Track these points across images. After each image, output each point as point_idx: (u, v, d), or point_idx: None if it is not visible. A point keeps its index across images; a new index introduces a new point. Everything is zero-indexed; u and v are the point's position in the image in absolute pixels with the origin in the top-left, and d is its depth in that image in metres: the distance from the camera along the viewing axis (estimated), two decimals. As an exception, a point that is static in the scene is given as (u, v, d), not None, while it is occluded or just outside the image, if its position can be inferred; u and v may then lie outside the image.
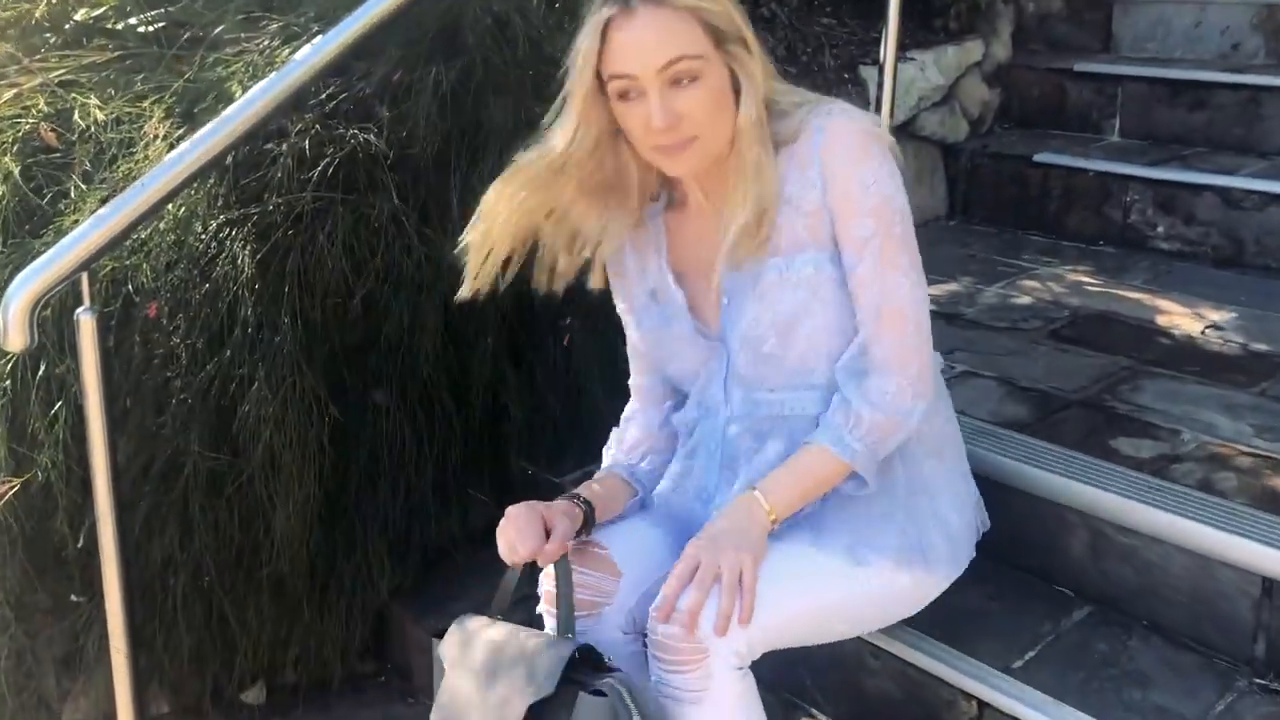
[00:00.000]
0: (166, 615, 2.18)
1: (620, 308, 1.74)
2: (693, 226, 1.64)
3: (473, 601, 2.38)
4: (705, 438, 1.68)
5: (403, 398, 2.29)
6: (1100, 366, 2.35)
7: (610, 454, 1.78)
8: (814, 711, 1.97)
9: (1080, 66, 3.53)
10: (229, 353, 2.14)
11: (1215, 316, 2.60)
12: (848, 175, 1.50)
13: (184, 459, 2.14)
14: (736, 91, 1.50)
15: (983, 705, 1.72)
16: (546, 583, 1.63)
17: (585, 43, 1.48)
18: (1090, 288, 2.84)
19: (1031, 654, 1.79)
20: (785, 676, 1.97)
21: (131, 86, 2.23)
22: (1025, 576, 1.96)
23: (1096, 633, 1.83)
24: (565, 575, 1.55)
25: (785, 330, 1.56)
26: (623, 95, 1.47)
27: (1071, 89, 3.57)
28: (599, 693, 1.41)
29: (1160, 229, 3.10)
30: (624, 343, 1.77)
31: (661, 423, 1.75)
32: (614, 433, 1.80)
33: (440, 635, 1.66)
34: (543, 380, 2.42)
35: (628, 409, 1.79)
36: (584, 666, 1.46)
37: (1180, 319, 2.60)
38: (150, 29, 2.38)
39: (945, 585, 1.65)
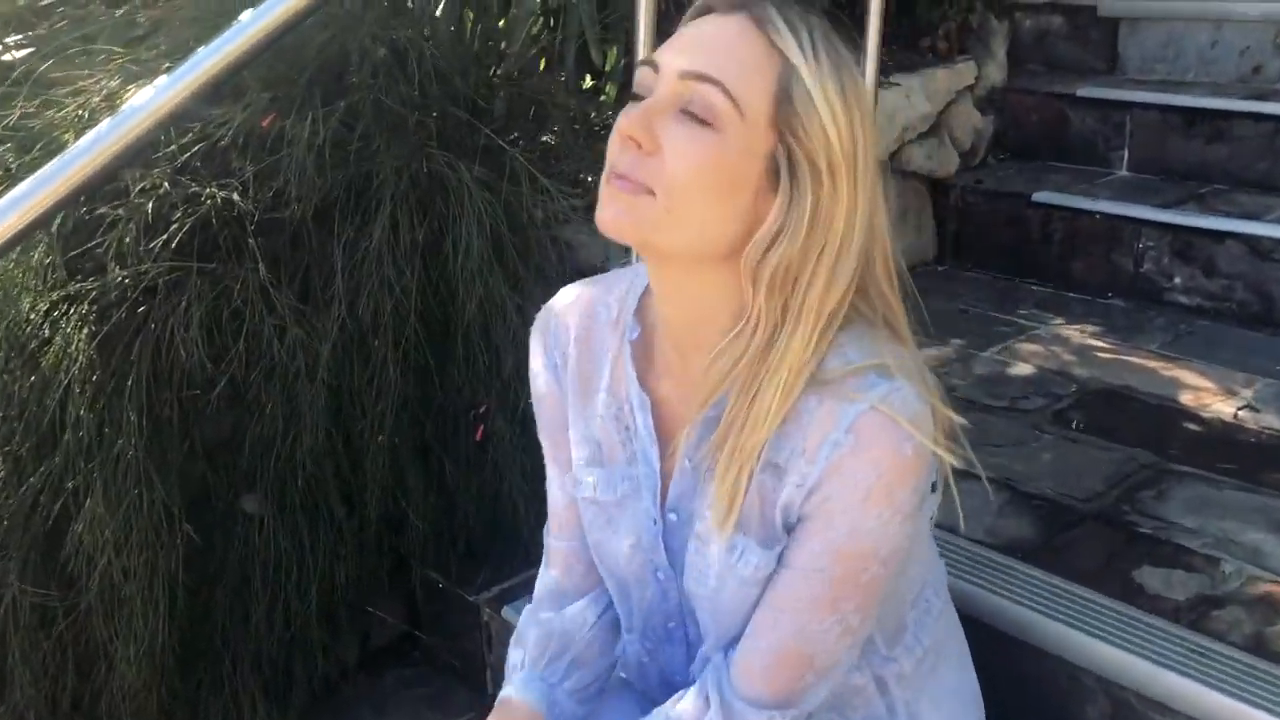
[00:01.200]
0: (-16, 781, 1.79)
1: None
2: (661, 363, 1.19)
3: (370, 739, 2.02)
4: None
5: (280, 505, 1.90)
6: (1116, 463, 1.97)
7: (516, 655, 1.32)
8: None
9: (1084, 92, 3.15)
10: (59, 459, 1.76)
11: (1248, 393, 2.22)
12: (847, 508, 1.06)
13: (2, 592, 1.75)
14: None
15: None
16: None
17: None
18: (1100, 354, 2.46)
19: None
20: None
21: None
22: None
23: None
24: None
25: (712, 608, 1.19)
26: (634, 98, 1.05)
27: (1074, 117, 3.19)
28: None
29: (1178, 280, 2.72)
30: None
31: (594, 620, 1.31)
32: (525, 614, 1.34)
33: None
34: (453, 478, 2.04)
35: (541, 583, 1.34)
36: None
37: (1208, 396, 2.22)
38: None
39: None
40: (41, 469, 1.75)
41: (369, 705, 2.06)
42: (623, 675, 1.37)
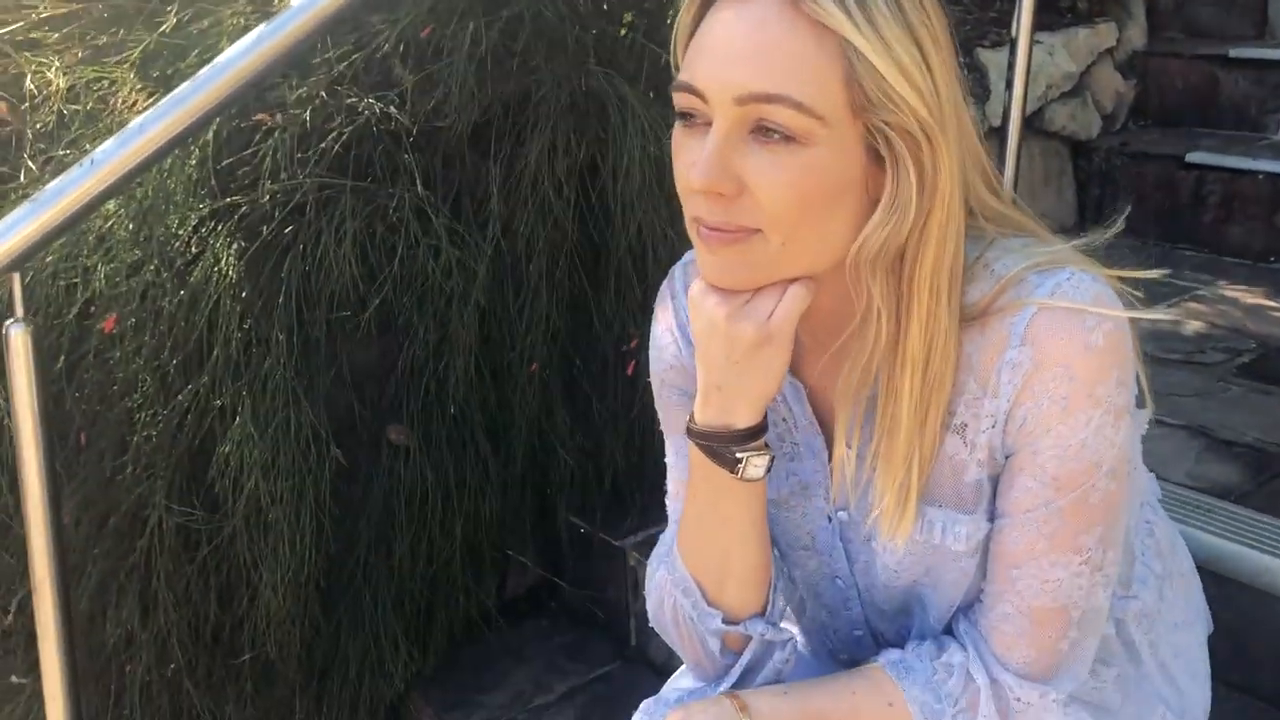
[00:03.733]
0: (124, 709, 1.73)
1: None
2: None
3: (510, 693, 1.93)
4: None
5: (426, 437, 1.82)
6: (1320, 414, 1.83)
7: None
8: None
9: (1236, 53, 3.00)
10: (207, 379, 1.69)
11: None
12: (1050, 427, 0.92)
13: (147, 513, 1.69)
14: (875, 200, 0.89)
15: None
16: None
17: (682, 18, 0.90)
18: (1273, 312, 2.31)
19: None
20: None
21: (97, 45, 1.80)
22: (1252, 702, 1.44)
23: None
24: None
25: (909, 591, 1.07)
26: (684, 116, 0.89)
27: (1225, 79, 3.03)
28: None
29: (1348, 242, 2.56)
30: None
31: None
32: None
33: None
34: (600, 417, 1.94)
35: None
36: None
37: (1405, 352, 2.06)
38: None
39: None
40: (189, 387, 1.69)
41: (507, 653, 1.96)
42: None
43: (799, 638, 1.19)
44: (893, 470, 0.97)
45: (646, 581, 1.18)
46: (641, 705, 1.17)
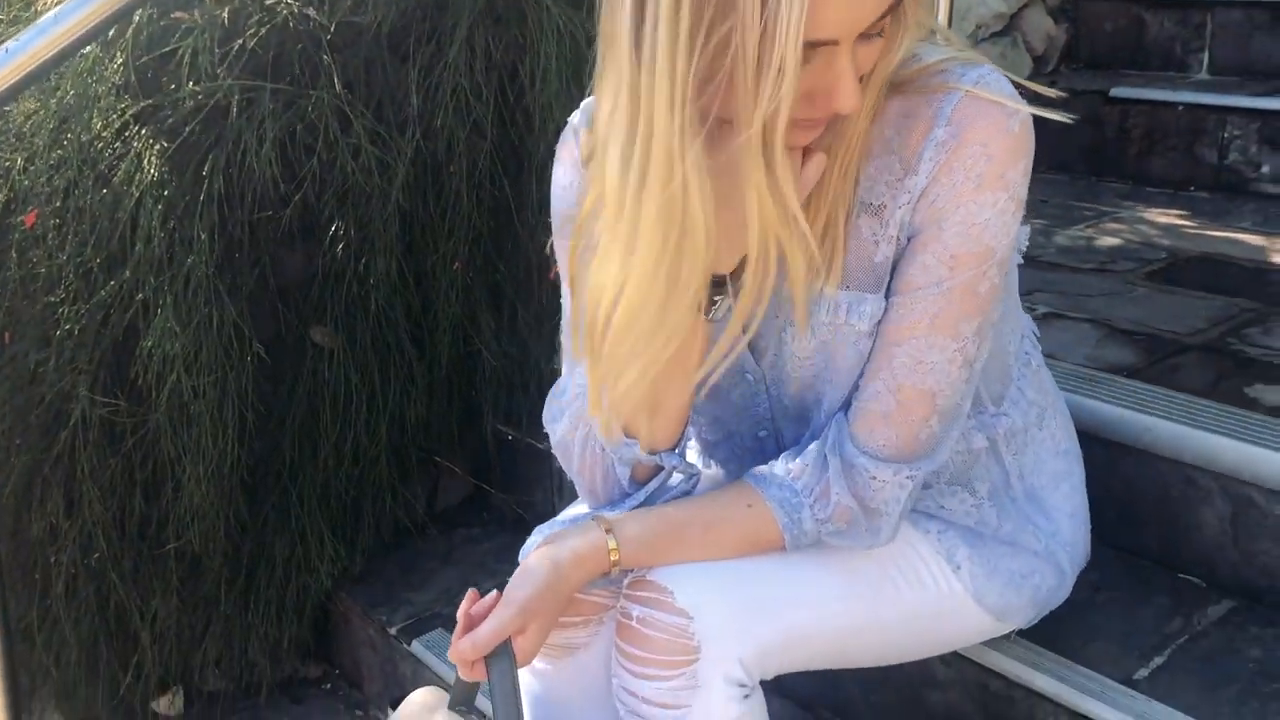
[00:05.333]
0: (50, 602, 1.75)
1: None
2: None
3: (437, 590, 1.96)
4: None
5: (351, 340, 1.86)
6: (1216, 309, 1.88)
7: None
8: (861, 734, 1.52)
9: (1162, -7, 3.06)
10: (129, 274, 1.72)
11: (1351, 258, 2.13)
12: (961, 203, 1.00)
13: (70, 406, 1.71)
14: None
15: (1097, 727, 1.26)
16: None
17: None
18: (1187, 230, 2.37)
19: (1159, 660, 1.32)
20: (825, 689, 1.52)
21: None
22: (1138, 563, 1.50)
23: (1244, 634, 1.36)
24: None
25: (811, 383, 1.12)
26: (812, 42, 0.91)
27: (1151, 21, 3.09)
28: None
29: (1266, 169, 2.62)
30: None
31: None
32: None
33: (395, 704, 1.22)
34: (524, 323, 1.98)
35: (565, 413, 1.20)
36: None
37: (1309, 261, 2.13)
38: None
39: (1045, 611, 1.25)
40: (112, 282, 1.71)
41: (435, 557, 2.00)
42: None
43: (701, 469, 1.23)
44: (819, 227, 1.03)
45: (547, 423, 1.22)
46: (535, 529, 1.22)
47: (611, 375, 1.03)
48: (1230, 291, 1.96)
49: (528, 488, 2.03)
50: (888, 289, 1.06)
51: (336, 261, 1.83)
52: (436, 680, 1.74)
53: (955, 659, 1.39)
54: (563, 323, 1.24)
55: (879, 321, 1.06)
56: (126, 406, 1.72)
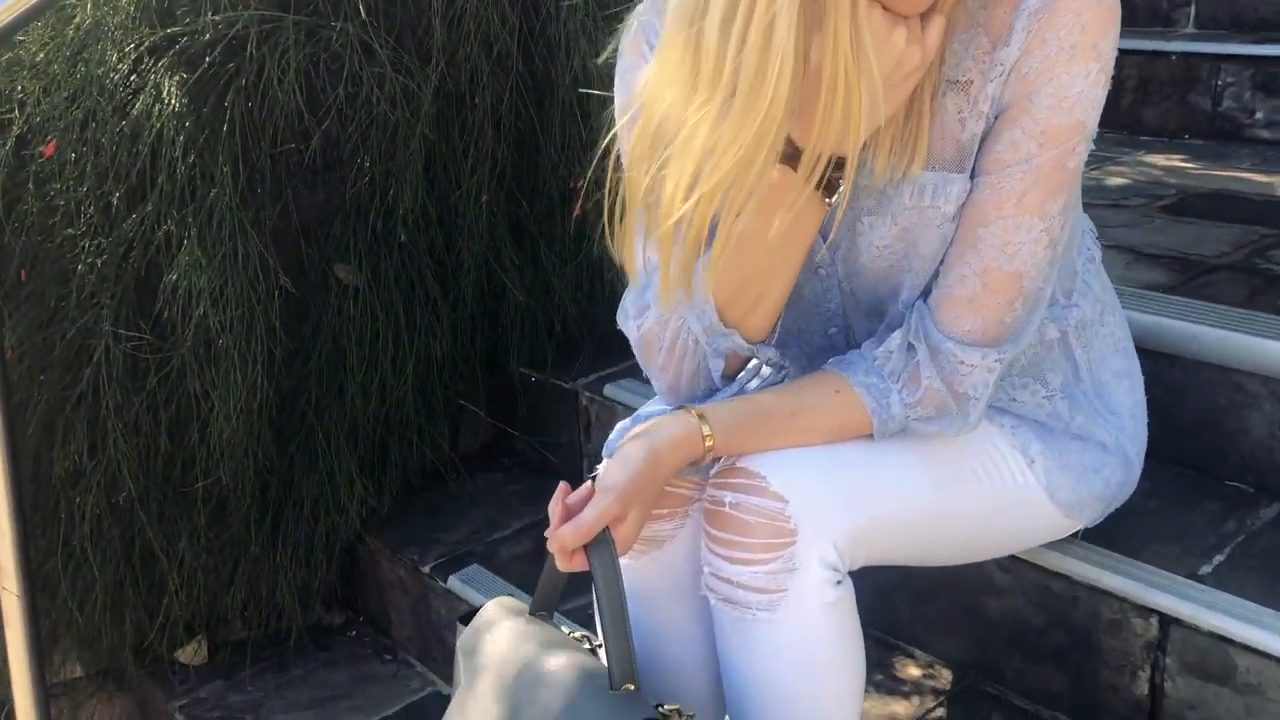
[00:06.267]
0: (73, 546, 1.70)
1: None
2: None
3: (466, 530, 1.93)
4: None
5: (375, 277, 1.82)
6: (1236, 235, 1.91)
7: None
8: (915, 652, 1.52)
9: (1148, -50, 3.10)
10: (151, 208, 1.68)
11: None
12: (1053, 74, 0.99)
13: (93, 342, 1.67)
14: None
15: (1168, 621, 1.27)
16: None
17: None
18: (1191, 170, 2.40)
19: (1220, 558, 1.34)
20: (875, 608, 1.52)
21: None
22: (1184, 472, 1.51)
23: (1298, 533, 1.38)
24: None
25: (888, 274, 1.12)
26: None
27: (1139, -23, 3.13)
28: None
29: (1260, 115, 2.66)
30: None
31: None
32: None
33: (467, 619, 1.20)
34: (549, 262, 1.96)
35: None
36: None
37: (1315, 194, 2.16)
38: None
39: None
40: (134, 216, 1.67)
41: (461, 500, 1.97)
42: None
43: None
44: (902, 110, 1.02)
45: (628, 319, 1.19)
46: (617, 426, 1.21)
47: (694, 255, 1.02)
48: (1246, 221, 1.99)
49: (553, 430, 2.01)
50: (973, 169, 1.06)
51: (361, 197, 1.80)
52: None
53: (1014, 564, 1.39)
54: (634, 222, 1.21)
55: (963, 204, 1.06)
56: (151, 342, 1.67)
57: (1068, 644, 1.36)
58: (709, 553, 1.07)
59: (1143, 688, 1.30)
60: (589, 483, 1.07)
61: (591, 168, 1.71)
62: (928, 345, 1.07)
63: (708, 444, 1.05)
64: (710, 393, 1.16)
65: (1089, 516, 1.26)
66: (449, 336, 1.90)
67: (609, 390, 1.88)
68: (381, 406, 1.85)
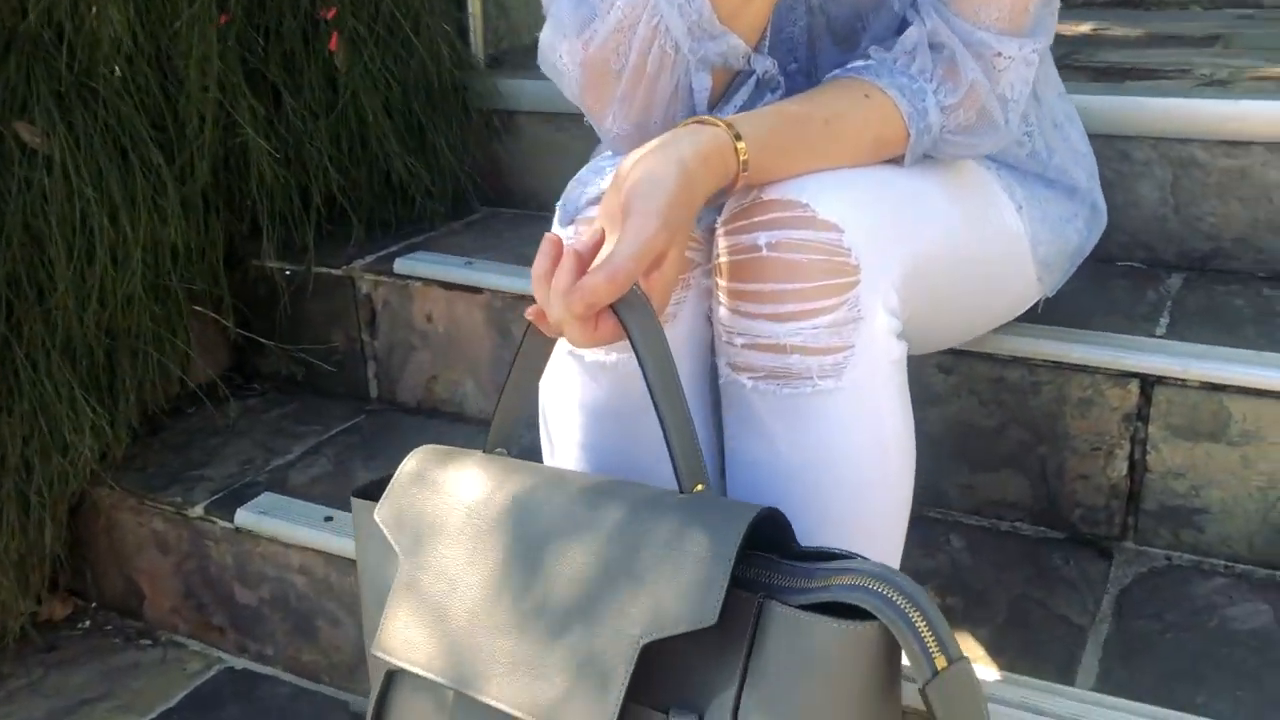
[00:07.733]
0: None
1: None
2: None
3: (237, 462, 1.50)
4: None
5: (74, 141, 1.36)
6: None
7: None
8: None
9: None
10: None
11: None
12: None
13: None
14: None
15: (1150, 383, 1.14)
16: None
17: None
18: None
19: (1166, 320, 1.23)
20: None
21: None
22: (1107, 265, 1.41)
23: (1216, 291, 1.31)
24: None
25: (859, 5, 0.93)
26: None
27: None
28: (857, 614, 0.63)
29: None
30: None
31: None
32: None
33: (364, 494, 0.84)
34: (298, 118, 1.57)
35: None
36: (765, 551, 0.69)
37: None
38: None
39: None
40: None
41: (214, 434, 1.54)
42: None
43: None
44: None
45: (576, 28, 0.86)
46: (572, 180, 0.90)
47: None
48: None
49: (322, 328, 1.63)
50: None
51: (46, 26, 1.33)
52: (276, 553, 1.32)
53: (957, 361, 1.22)
54: None
55: None
56: None
57: (1028, 439, 1.21)
58: (737, 318, 0.79)
59: (1119, 468, 1.17)
60: (593, 225, 0.76)
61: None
62: (959, 37, 0.87)
63: (743, 157, 0.78)
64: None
65: (1053, 281, 1.11)
66: (181, 218, 1.46)
67: (402, 266, 1.53)
68: (103, 312, 1.39)
